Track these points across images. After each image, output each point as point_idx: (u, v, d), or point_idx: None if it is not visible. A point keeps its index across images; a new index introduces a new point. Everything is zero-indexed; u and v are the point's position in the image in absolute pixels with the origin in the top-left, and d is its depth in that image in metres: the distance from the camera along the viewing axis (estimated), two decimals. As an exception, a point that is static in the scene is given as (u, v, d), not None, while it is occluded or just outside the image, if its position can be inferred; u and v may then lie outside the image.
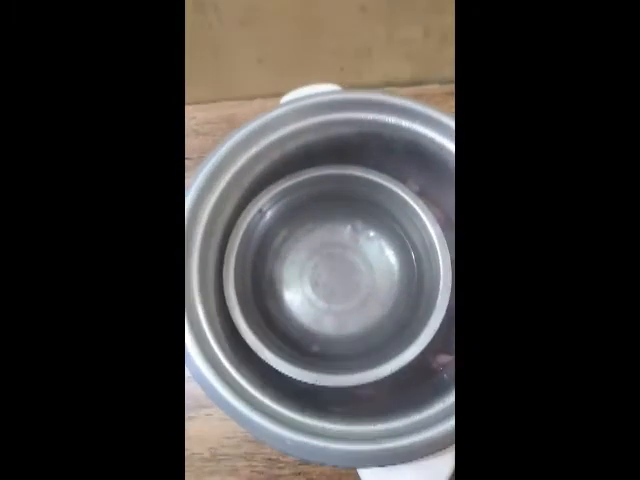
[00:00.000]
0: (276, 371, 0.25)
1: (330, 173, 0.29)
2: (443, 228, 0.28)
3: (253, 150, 0.26)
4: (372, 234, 0.31)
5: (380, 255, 0.31)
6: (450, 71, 0.42)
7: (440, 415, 0.20)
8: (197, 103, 0.44)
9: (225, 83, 0.43)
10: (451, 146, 0.26)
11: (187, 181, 0.25)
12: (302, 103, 0.26)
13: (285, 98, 0.29)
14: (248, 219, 0.28)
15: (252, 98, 0.44)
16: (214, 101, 0.44)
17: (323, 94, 0.26)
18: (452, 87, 0.42)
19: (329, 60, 0.40)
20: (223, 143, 0.25)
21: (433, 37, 0.39)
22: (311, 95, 0.26)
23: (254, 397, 0.21)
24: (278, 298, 0.30)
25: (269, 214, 0.30)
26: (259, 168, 0.27)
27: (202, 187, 0.24)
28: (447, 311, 0.26)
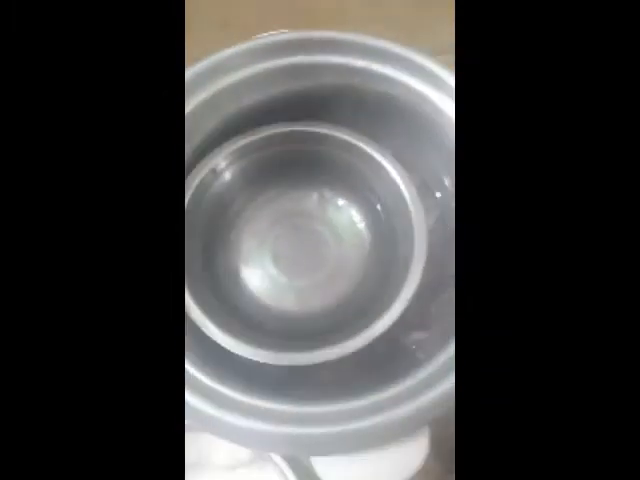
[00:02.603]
0: (223, 349, 0.21)
1: (295, 130, 0.26)
2: (419, 194, 0.25)
3: (202, 96, 0.23)
4: (341, 203, 0.28)
5: (350, 226, 0.27)
6: (430, 42, 0.39)
7: (410, 391, 0.17)
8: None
9: (186, 49, 0.40)
10: (435, 97, 0.23)
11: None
12: (260, 41, 0.23)
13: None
14: (198, 180, 0.24)
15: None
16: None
17: (287, 33, 0.23)
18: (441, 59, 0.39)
19: (300, 24, 0.37)
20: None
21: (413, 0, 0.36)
22: (274, 34, 0.23)
23: (187, 373, 0.17)
24: (233, 272, 0.26)
25: (224, 176, 0.26)
26: (211, 122, 0.24)
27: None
28: (422, 282, 0.23)
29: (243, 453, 0.25)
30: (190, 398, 0.17)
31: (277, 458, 0.24)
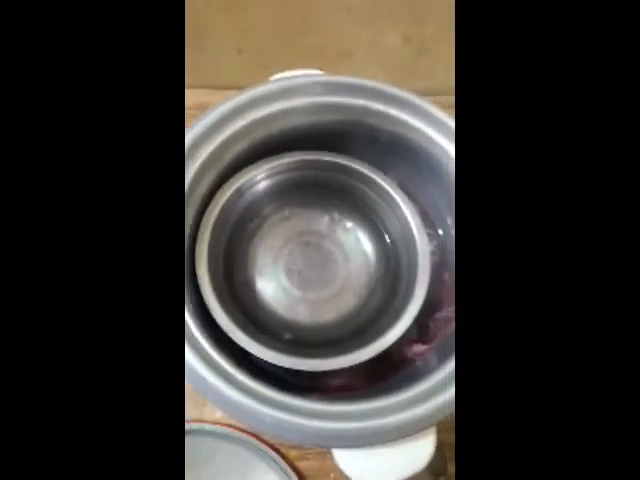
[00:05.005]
0: (248, 355, 0.23)
1: (312, 159, 0.29)
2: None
3: (239, 124, 0.25)
4: (349, 225, 0.31)
5: (356, 246, 0.30)
6: (424, 83, 0.43)
7: (418, 397, 0.20)
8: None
9: (202, 70, 0.42)
10: (438, 138, 0.26)
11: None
12: (293, 82, 0.26)
13: (274, 78, 0.28)
14: (226, 197, 0.27)
15: (227, 88, 0.43)
16: (189, 87, 0.43)
17: (315, 75, 0.26)
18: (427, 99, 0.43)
19: (309, 59, 0.40)
20: (209, 112, 0.24)
21: (411, 47, 0.40)
22: (302, 75, 0.26)
23: (231, 374, 0.20)
24: (250, 284, 0.29)
25: (247, 196, 0.29)
26: (241, 146, 0.27)
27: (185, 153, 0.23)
28: (423, 301, 0.26)
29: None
30: (232, 393, 0.19)
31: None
